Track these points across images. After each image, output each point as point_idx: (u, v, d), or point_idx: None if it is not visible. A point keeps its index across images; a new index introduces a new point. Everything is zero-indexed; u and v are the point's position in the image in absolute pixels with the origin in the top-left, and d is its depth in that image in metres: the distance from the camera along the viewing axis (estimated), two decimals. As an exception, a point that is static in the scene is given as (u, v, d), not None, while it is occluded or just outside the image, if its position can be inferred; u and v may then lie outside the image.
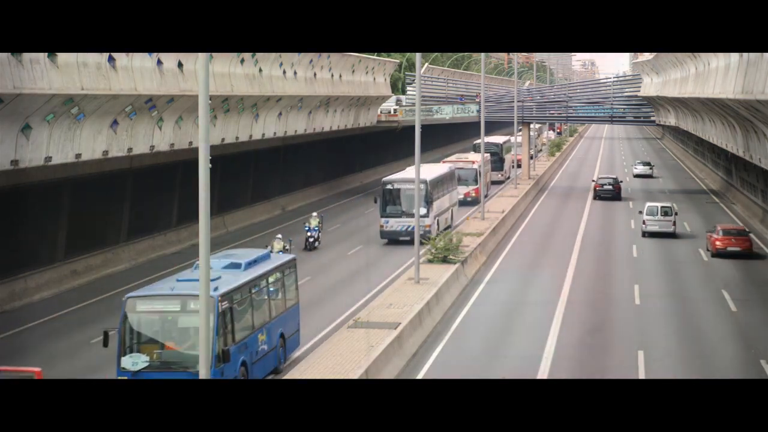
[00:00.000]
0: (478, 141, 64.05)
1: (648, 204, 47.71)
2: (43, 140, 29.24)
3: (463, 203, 56.16)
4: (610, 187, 61.72)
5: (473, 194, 57.97)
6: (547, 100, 74.04)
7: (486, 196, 54.77)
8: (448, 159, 64.96)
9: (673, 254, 42.11)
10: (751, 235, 43.41)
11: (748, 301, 32.68)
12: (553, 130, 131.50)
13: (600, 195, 61.77)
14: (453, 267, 35.02)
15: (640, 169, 79.55)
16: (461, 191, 56.24)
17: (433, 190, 46.09)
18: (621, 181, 64.55)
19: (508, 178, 73.36)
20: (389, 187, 45.77)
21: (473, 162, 60.38)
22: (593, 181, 65.23)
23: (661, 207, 46.86)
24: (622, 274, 37.53)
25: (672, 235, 46.08)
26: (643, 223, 46.48)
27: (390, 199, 45.58)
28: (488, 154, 66.31)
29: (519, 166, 73.25)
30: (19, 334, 28.63)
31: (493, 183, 68.38)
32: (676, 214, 47.11)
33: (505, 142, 75.93)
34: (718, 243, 40.96)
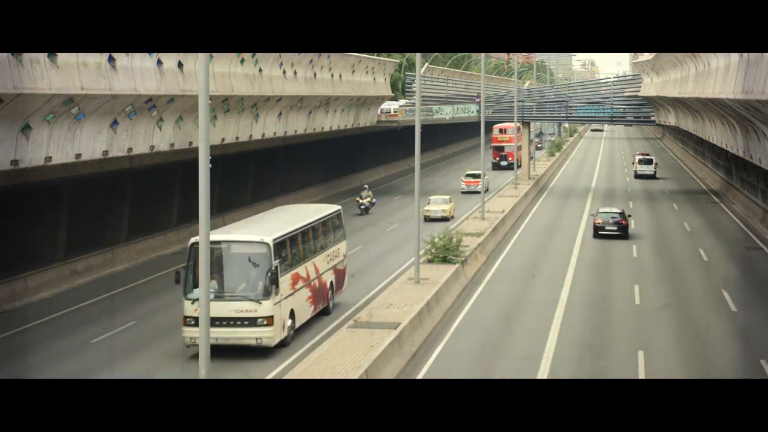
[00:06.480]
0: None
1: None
2: (43, 140, 29.23)
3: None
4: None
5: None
6: (547, 100, 74.02)
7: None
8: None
9: (673, 254, 42.12)
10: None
11: (748, 301, 32.66)
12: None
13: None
14: (453, 267, 35.01)
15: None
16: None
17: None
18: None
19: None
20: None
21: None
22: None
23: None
24: (622, 274, 37.53)
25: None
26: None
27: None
28: None
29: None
30: (19, 334, 28.61)
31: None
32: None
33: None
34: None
